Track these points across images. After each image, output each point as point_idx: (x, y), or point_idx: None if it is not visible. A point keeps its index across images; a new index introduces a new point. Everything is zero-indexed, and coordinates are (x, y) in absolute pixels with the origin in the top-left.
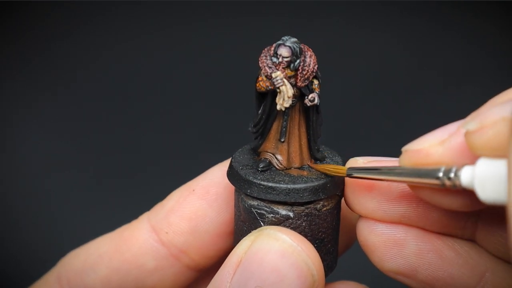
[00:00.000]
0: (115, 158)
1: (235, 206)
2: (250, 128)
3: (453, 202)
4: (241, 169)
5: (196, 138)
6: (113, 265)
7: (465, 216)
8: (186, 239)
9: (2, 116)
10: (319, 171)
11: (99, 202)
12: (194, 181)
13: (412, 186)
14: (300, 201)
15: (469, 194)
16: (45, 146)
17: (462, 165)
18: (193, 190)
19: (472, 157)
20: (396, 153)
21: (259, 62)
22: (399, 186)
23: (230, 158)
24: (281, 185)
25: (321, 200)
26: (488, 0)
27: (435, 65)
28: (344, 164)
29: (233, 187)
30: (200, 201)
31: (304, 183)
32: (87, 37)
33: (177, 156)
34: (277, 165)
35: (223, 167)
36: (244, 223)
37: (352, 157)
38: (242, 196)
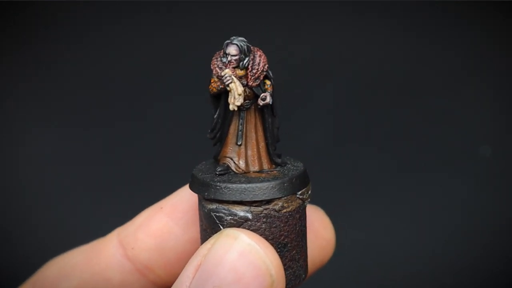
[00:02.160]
0: (111, 160)
1: (199, 218)
2: (208, 135)
3: None
4: (200, 175)
5: (197, 140)
6: (84, 277)
7: None
8: (151, 255)
9: (3, 116)
10: None
11: (92, 204)
12: (164, 200)
13: None
14: (256, 199)
15: None
16: (42, 148)
17: None
18: (161, 208)
19: None
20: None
21: (211, 65)
22: None
23: None
24: (236, 185)
25: (279, 200)
26: (488, 0)
27: (435, 65)
28: (304, 169)
29: None
30: (167, 218)
31: (260, 182)
32: (87, 38)
33: (173, 159)
34: (236, 169)
35: None
36: (206, 231)
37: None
38: (203, 202)
